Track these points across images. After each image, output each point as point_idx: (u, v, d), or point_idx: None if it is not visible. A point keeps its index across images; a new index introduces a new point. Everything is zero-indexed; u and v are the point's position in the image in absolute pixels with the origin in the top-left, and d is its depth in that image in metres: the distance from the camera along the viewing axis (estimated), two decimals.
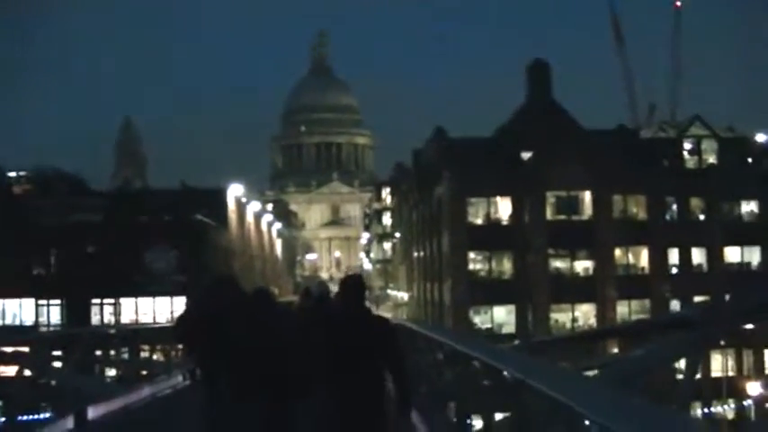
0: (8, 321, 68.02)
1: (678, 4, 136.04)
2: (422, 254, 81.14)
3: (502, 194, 65.45)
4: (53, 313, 68.88)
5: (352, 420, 8.32)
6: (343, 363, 8.36)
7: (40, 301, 68.98)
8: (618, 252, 65.17)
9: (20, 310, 68.99)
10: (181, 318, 11.98)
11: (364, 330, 8.47)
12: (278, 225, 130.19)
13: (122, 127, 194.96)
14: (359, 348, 8.40)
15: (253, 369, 9.17)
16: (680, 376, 15.41)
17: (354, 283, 8.73)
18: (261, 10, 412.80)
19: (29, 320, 68.33)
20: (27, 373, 20.39)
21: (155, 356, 26.03)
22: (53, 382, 22.80)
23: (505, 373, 8.90)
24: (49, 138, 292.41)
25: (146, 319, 62.47)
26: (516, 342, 44.48)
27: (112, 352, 26.77)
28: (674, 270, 66.58)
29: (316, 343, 8.66)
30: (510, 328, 63.49)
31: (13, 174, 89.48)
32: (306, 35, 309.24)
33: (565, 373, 9.15)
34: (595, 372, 16.04)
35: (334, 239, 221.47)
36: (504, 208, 65.87)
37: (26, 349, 24.45)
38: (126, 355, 25.97)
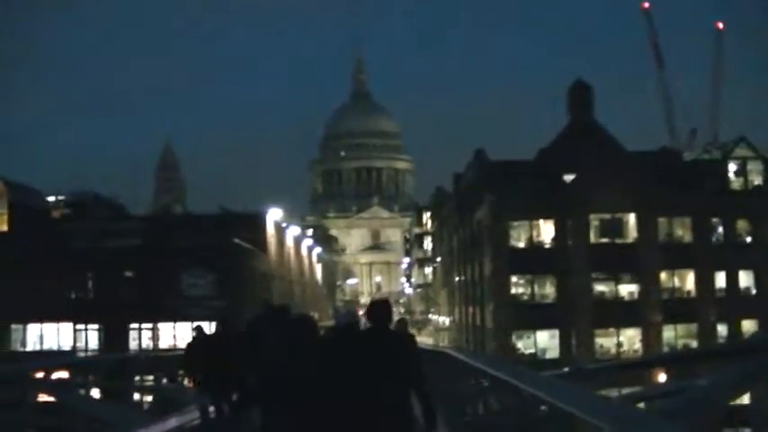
0: (47, 346, 67.63)
1: (720, 26, 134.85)
2: (463, 278, 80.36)
3: (544, 217, 64.41)
4: (91, 338, 68.49)
5: None
6: (364, 383, 8.54)
7: (78, 326, 68.61)
8: (663, 275, 63.83)
9: (58, 335, 68.63)
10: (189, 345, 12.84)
11: (387, 347, 8.77)
12: (318, 250, 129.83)
13: (162, 152, 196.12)
14: (381, 366, 8.62)
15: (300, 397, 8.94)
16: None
17: (380, 305, 9.04)
18: (301, 35, 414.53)
19: (67, 345, 67.95)
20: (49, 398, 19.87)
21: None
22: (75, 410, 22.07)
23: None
24: (89, 163, 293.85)
25: (184, 344, 61.70)
26: (566, 369, 43.39)
27: (151, 377, 26.26)
28: (721, 293, 65.14)
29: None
30: (554, 353, 62.32)
31: (51, 198, 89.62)
32: (346, 59, 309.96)
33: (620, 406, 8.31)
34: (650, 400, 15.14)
35: (375, 264, 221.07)
36: (546, 231, 64.82)
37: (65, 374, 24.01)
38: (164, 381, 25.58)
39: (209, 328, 19.24)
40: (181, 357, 18.67)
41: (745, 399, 13.50)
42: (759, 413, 11.76)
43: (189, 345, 17.99)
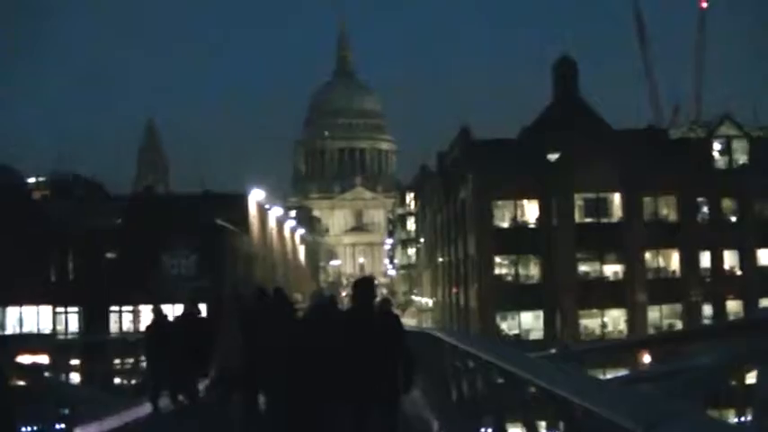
0: (26, 329, 66.76)
1: (704, 5, 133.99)
2: (446, 258, 79.77)
3: (528, 197, 63.81)
4: (71, 321, 67.62)
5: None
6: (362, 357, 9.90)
7: (58, 309, 67.74)
8: (648, 255, 63.33)
9: (37, 318, 67.74)
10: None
11: (378, 325, 10.16)
12: (301, 231, 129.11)
13: (144, 131, 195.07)
14: (376, 341, 9.96)
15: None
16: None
17: (366, 283, 10.39)
18: (284, 14, 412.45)
19: (46, 328, 67.06)
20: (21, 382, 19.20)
21: None
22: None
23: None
24: (70, 143, 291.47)
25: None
26: (552, 351, 42.73)
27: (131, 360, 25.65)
28: (706, 273, 64.66)
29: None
30: (538, 334, 61.85)
31: (32, 179, 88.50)
32: (329, 39, 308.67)
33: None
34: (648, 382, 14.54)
35: (358, 245, 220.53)
36: (530, 210, 64.23)
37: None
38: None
39: (191, 307, 18.61)
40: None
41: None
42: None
43: (146, 329, 16.74)
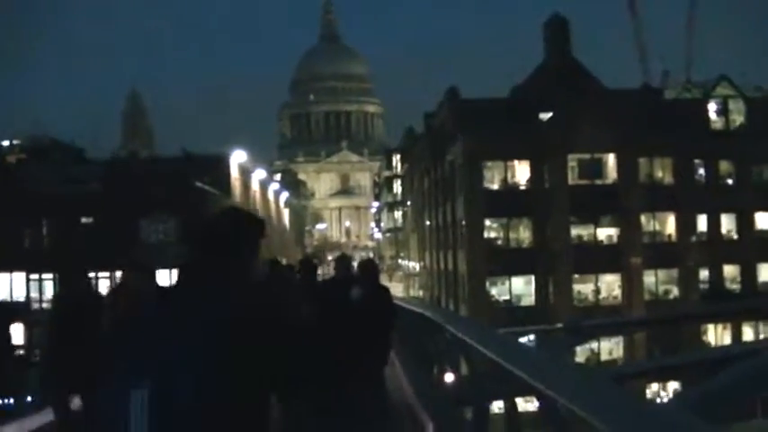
0: (0, 297, 64.58)
1: None
2: (434, 222, 77.87)
3: (520, 158, 61.55)
4: (46, 288, 65.38)
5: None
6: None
7: (32, 276, 65.53)
8: (643, 218, 61.24)
9: (11, 285, 65.52)
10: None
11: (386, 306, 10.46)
12: (285, 194, 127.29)
13: (128, 98, 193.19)
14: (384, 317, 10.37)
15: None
16: None
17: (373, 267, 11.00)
18: None
19: (21, 296, 64.85)
20: None
21: None
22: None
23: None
24: (55, 110, 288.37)
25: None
26: (559, 325, 40.69)
27: None
28: (703, 237, 62.85)
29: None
30: (529, 299, 59.93)
31: (6, 142, 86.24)
32: (315, 3, 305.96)
33: None
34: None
35: (345, 209, 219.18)
36: (522, 172, 62.03)
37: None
38: None
39: (170, 277, 16.75)
40: None
41: None
42: None
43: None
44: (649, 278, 59.87)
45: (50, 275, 64.96)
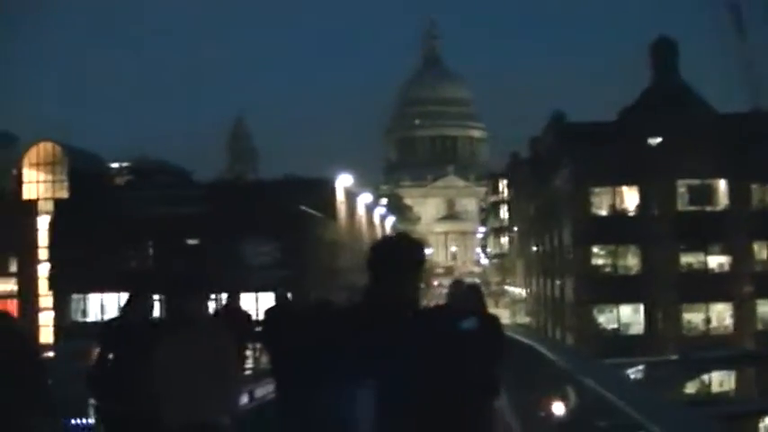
0: (108, 317, 65.44)
1: None
2: (540, 248, 76.92)
3: (627, 183, 60.42)
4: (158, 308, 66.11)
5: None
6: None
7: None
8: (756, 246, 59.61)
9: (119, 306, 66.38)
10: None
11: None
12: (391, 218, 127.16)
13: (234, 123, 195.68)
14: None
15: None
16: None
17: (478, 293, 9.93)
18: (371, 4, 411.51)
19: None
20: None
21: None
22: None
23: None
24: (162, 133, 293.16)
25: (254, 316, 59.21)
26: (673, 357, 39.68)
27: None
28: None
29: None
30: (638, 328, 58.64)
31: (114, 165, 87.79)
32: (417, 26, 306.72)
33: None
34: None
35: (450, 234, 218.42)
36: (630, 198, 60.88)
37: None
38: None
39: (271, 299, 16.94)
40: None
41: None
42: None
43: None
44: (763, 307, 58.20)
45: (156, 296, 65.64)
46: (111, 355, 9.82)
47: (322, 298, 10.86)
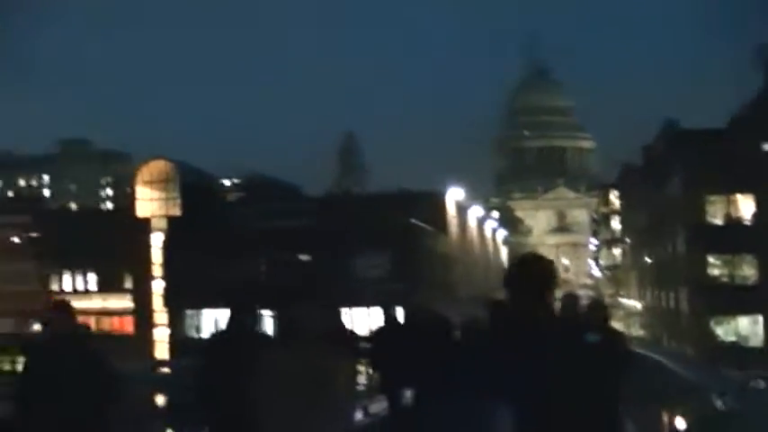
0: None
1: None
2: (654, 258, 75.47)
3: (743, 191, 58.98)
4: (265, 323, 66.58)
5: None
6: None
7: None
8: None
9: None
10: None
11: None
12: (503, 231, 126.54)
13: (343, 137, 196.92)
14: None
15: None
16: None
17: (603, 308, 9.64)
18: (472, 14, 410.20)
19: None
20: None
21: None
22: None
23: None
24: (272, 148, 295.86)
25: (361, 329, 59.28)
26: None
27: None
28: None
29: None
30: (757, 340, 57.13)
31: (226, 181, 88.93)
32: (523, 35, 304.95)
33: None
34: None
35: (562, 246, 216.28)
36: (746, 206, 59.39)
37: None
38: None
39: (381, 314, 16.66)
40: None
41: None
42: None
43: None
44: None
45: (269, 311, 66.16)
46: (216, 369, 9.78)
47: (438, 313, 10.57)
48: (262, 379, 7.55)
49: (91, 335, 14.04)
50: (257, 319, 10.67)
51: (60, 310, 9.52)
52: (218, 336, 10.73)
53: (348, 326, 17.36)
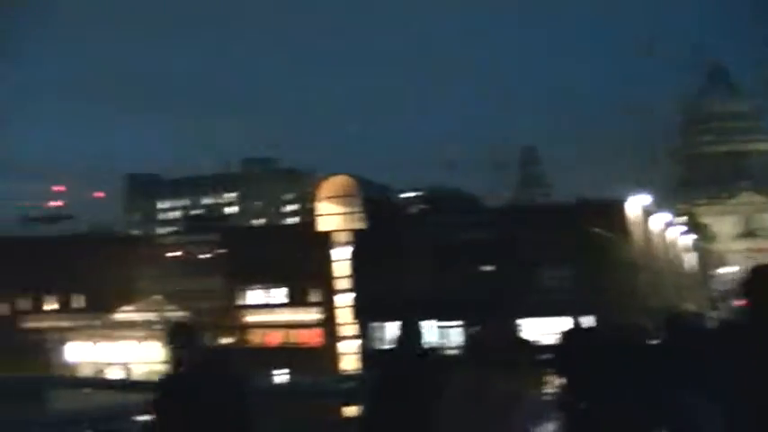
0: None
1: None
2: None
3: None
4: (454, 335, 66.57)
5: None
6: None
7: (442, 323, 66.93)
8: None
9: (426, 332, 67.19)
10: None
11: None
12: (689, 237, 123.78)
13: (521, 151, 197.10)
14: None
15: None
16: None
17: None
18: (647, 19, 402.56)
19: (431, 343, 66.34)
20: None
21: None
22: None
23: None
24: (447, 159, 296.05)
25: (547, 340, 58.49)
26: None
27: None
28: None
29: None
30: None
31: (408, 194, 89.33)
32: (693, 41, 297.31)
33: None
34: None
35: (749, 251, 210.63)
36: None
37: None
38: None
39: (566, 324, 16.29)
40: None
41: None
42: None
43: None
44: None
45: (457, 323, 66.26)
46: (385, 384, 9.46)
47: (630, 320, 10.26)
48: (446, 397, 7.20)
49: (229, 358, 12.22)
50: (420, 332, 10.15)
51: (186, 334, 8.04)
52: (389, 352, 10.38)
53: (534, 338, 16.84)
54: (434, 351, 10.33)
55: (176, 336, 7.87)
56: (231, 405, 7.75)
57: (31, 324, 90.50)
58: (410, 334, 9.36)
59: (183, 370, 7.82)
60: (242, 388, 8.11)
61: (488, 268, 67.27)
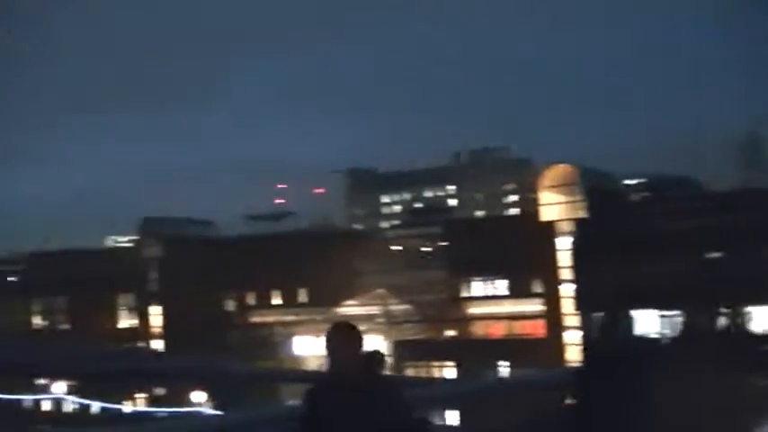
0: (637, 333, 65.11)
1: None
2: None
3: None
4: (676, 326, 64.94)
5: None
6: None
7: (663, 313, 65.45)
8: None
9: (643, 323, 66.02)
10: None
11: None
12: None
13: (745, 132, 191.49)
14: None
15: None
16: None
17: None
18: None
19: (652, 332, 65.12)
20: None
21: None
22: None
23: None
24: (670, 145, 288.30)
25: None
26: None
27: None
28: None
29: None
30: None
31: (631, 181, 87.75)
32: None
33: None
34: None
35: None
36: None
37: None
38: None
39: None
40: None
41: None
42: None
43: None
44: None
45: (677, 312, 64.68)
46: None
47: None
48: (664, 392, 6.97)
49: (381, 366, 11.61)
50: (626, 323, 9.72)
51: (345, 336, 7.12)
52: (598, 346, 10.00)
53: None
54: (642, 339, 10.00)
55: (335, 336, 7.08)
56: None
57: (257, 319, 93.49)
58: (617, 322, 9.11)
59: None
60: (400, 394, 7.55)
61: (715, 255, 65.27)
